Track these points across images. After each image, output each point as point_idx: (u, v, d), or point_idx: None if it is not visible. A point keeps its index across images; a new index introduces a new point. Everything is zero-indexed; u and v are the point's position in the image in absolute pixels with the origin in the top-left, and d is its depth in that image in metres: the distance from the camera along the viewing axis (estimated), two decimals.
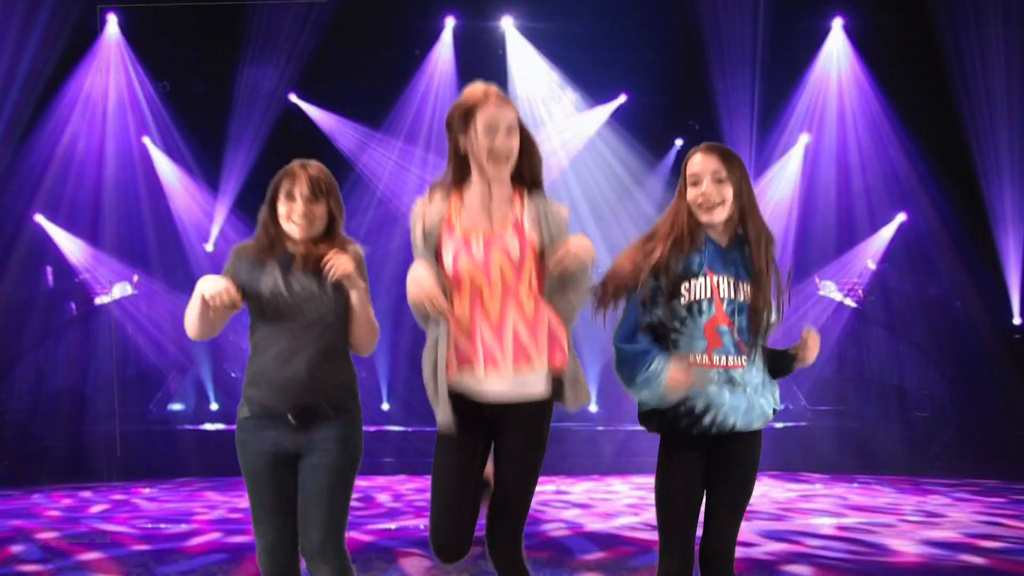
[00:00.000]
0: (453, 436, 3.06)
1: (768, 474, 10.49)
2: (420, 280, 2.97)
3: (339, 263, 3.01)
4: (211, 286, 3.00)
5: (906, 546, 5.91)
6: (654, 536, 6.22)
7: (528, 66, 12.35)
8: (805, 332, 3.18)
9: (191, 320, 3.09)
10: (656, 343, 3.07)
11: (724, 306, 3.09)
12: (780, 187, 12.36)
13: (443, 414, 3.04)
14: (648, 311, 3.10)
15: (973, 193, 11.38)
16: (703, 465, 3.13)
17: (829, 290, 12.36)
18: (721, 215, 3.13)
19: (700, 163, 3.15)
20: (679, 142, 12.88)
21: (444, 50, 12.25)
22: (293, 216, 3.09)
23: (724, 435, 3.09)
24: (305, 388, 3.04)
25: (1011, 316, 11.47)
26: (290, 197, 3.10)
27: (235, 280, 3.11)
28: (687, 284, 3.09)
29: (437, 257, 3.08)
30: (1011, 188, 11.29)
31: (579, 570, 5.23)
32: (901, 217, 12.25)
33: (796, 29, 11.80)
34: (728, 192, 3.12)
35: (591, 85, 12.33)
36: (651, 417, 3.12)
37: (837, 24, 12.05)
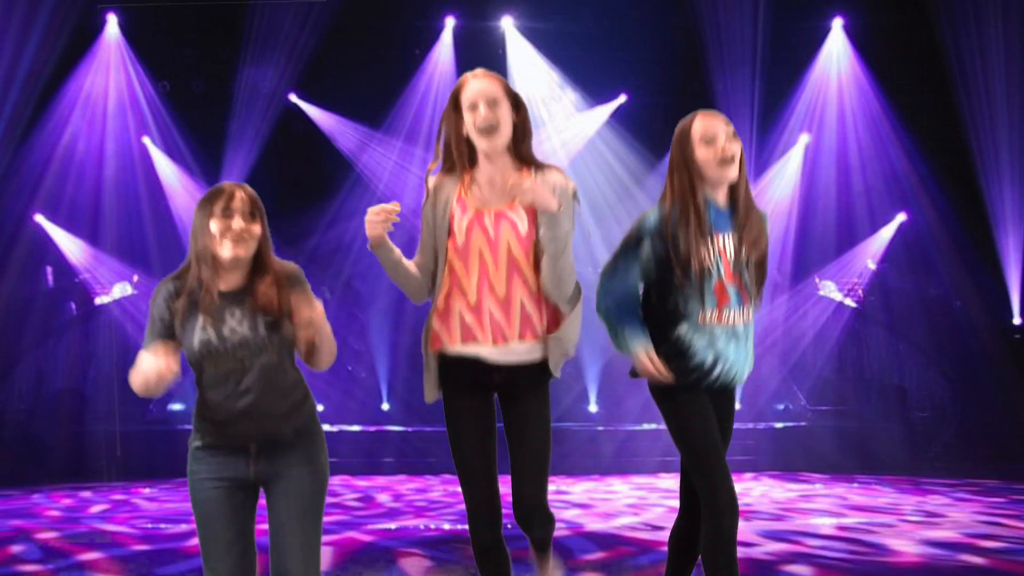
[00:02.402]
0: (465, 405, 3.18)
1: (768, 474, 10.49)
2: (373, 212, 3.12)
3: (305, 323, 2.84)
4: (152, 374, 2.83)
5: (906, 546, 5.91)
6: (654, 536, 6.24)
7: (528, 66, 12.32)
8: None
9: (135, 388, 2.92)
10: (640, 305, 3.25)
11: (732, 265, 3.16)
12: (780, 187, 12.34)
13: (429, 386, 3.22)
14: (648, 270, 3.21)
15: (973, 193, 11.36)
16: (712, 411, 3.25)
17: (829, 290, 12.34)
18: (736, 171, 3.19)
19: (711, 122, 3.19)
20: None
21: (444, 50, 12.22)
22: (229, 234, 2.85)
23: (718, 390, 3.23)
24: (261, 425, 2.90)
25: (1011, 316, 11.45)
26: (227, 214, 2.85)
27: (164, 325, 2.93)
28: (697, 250, 3.14)
29: (449, 232, 3.17)
30: (1011, 188, 11.27)
31: (579, 570, 5.22)
32: (901, 217, 12.23)
33: (796, 29, 11.79)
34: (739, 149, 3.19)
35: (591, 85, 12.31)
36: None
37: (837, 24, 12.02)
